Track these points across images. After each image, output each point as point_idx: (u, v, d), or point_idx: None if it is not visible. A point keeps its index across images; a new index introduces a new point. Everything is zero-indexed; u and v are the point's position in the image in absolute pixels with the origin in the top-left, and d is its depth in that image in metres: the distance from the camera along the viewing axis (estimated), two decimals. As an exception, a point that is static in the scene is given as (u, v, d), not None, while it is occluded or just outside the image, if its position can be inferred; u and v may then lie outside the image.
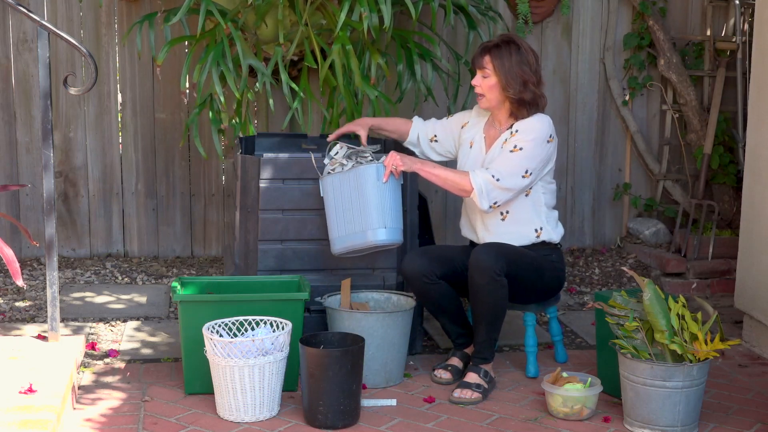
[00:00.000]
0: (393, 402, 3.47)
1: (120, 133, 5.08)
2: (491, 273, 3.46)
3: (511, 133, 3.65)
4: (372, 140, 4.08)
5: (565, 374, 3.46)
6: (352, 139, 3.96)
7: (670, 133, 5.36)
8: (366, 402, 3.43)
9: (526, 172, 3.59)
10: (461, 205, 3.89)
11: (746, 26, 5.16)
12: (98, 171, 5.05)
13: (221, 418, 3.30)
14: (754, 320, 4.13)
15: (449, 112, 4.03)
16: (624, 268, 3.62)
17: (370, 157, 3.73)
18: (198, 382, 3.47)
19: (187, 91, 4.93)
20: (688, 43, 5.31)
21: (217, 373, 3.27)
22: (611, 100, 5.33)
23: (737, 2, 5.13)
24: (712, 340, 3.22)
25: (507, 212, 3.67)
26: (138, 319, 4.32)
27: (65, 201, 5.03)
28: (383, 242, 3.60)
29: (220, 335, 3.37)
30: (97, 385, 3.59)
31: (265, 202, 3.81)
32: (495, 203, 3.58)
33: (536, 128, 3.62)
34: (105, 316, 4.33)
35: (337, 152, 3.76)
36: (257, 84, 4.16)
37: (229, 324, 3.41)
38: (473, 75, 3.72)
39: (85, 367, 3.76)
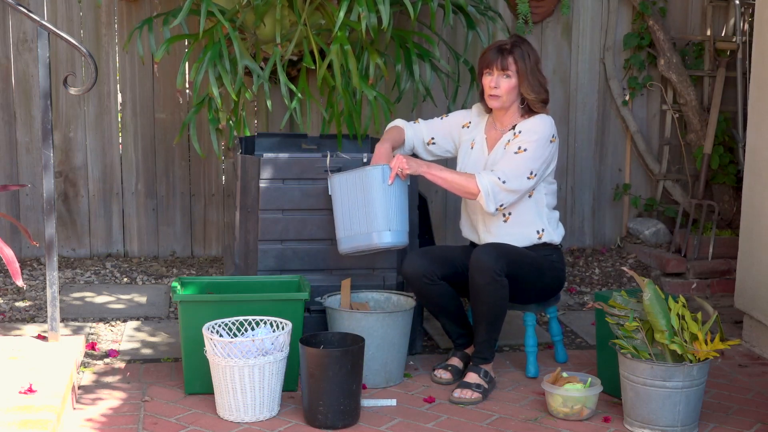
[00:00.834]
0: (393, 402, 3.47)
1: (120, 133, 5.08)
2: (492, 273, 3.46)
3: (514, 134, 3.64)
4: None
5: (565, 374, 3.46)
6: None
7: (670, 133, 5.36)
8: (366, 402, 3.43)
9: (531, 173, 3.58)
10: (461, 205, 3.88)
11: (746, 26, 5.16)
12: (98, 171, 5.05)
13: (221, 418, 3.30)
14: (754, 320, 4.13)
15: (448, 113, 4.01)
16: (624, 268, 3.61)
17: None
18: (198, 382, 3.47)
19: (187, 90, 4.93)
20: (688, 43, 5.31)
21: (217, 373, 3.27)
22: (611, 100, 5.33)
23: (737, 2, 5.13)
24: (712, 340, 3.22)
25: (509, 214, 3.67)
26: (138, 319, 4.32)
27: (65, 201, 5.03)
28: (387, 245, 3.61)
29: (220, 335, 3.37)
30: (97, 385, 3.59)
31: (265, 202, 3.81)
32: (501, 205, 3.58)
33: (539, 129, 3.62)
34: (105, 316, 4.33)
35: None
36: (254, 86, 4.15)
37: (229, 324, 3.41)
38: (474, 75, 3.71)
39: (85, 367, 3.76)
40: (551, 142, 3.64)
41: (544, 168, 3.64)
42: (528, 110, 3.68)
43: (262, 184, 3.79)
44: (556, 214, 3.79)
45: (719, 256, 4.99)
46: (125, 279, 4.81)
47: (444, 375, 3.70)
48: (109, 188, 5.07)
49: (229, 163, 5.06)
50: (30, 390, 3.15)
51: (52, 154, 3.64)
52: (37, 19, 3.63)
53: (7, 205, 4.98)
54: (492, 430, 3.28)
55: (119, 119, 5.08)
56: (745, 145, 4.61)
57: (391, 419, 3.35)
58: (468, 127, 3.82)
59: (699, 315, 3.30)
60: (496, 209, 3.57)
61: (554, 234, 3.73)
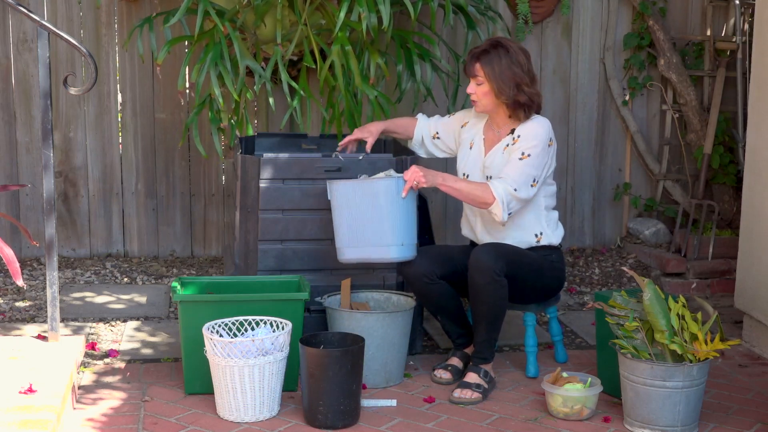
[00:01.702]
0: (393, 402, 3.47)
1: (120, 133, 5.08)
2: (491, 273, 3.46)
3: (513, 139, 3.63)
4: (377, 148, 4.06)
5: (565, 374, 3.46)
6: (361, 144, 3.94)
7: (670, 133, 5.36)
8: (366, 402, 3.43)
9: (534, 180, 3.58)
10: (461, 205, 3.88)
11: (746, 26, 5.16)
12: (98, 171, 5.05)
13: (221, 418, 3.30)
14: (754, 320, 4.13)
15: (449, 113, 4.02)
16: (624, 268, 3.62)
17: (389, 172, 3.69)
18: (198, 382, 3.47)
19: (187, 91, 4.93)
20: (688, 43, 5.31)
21: (217, 373, 3.27)
22: (611, 100, 5.33)
23: (737, 2, 5.13)
24: (712, 340, 3.22)
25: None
26: (138, 319, 4.32)
27: (65, 201, 5.03)
28: (398, 259, 3.58)
29: (220, 335, 3.37)
30: (98, 385, 3.59)
31: (265, 202, 3.81)
32: (510, 213, 3.58)
33: (538, 134, 3.61)
34: (105, 316, 4.33)
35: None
36: (256, 86, 4.16)
37: (229, 324, 3.41)
38: (455, 87, 3.72)
39: (85, 367, 3.76)
40: (549, 146, 3.63)
41: (544, 174, 3.63)
42: (515, 111, 3.63)
43: (262, 184, 3.79)
44: (555, 214, 3.78)
45: (719, 256, 4.99)
46: (125, 279, 4.82)
47: (444, 375, 3.70)
48: (109, 188, 5.07)
49: (229, 163, 5.06)
50: (30, 390, 3.15)
51: (52, 154, 3.64)
52: (37, 19, 3.63)
53: (7, 205, 4.98)
54: (492, 430, 3.28)
55: (119, 119, 5.08)
56: (745, 145, 4.61)
57: (391, 419, 3.35)
58: (466, 126, 3.83)
59: (699, 315, 3.30)
60: (506, 218, 3.57)
61: (553, 236, 3.72)
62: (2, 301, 4.45)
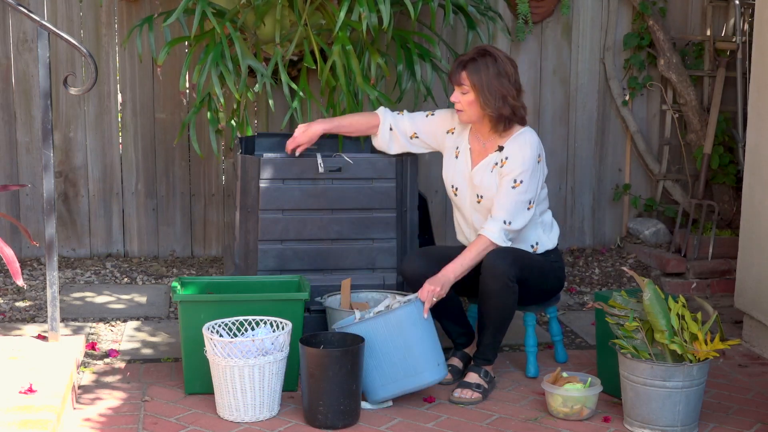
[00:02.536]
0: (389, 402, 3.46)
1: (120, 133, 5.08)
2: (505, 279, 3.45)
3: (502, 160, 3.58)
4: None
5: (565, 374, 3.46)
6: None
7: (670, 133, 5.36)
8: (363, 404, 3.42)
9: (530, 203, 3.57)
10: (454, 216, 3.86)
11: (746, 26, 5.16)
12: (98, 171, 5.05)
13: (221, 418, 3.30)
14: (754, 320, 4.13)
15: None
16: (624, 268, 3.61)
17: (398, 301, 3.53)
18: (198, 382, 3.47)
19: (187, 91, 4.93)
20: (688, 43, 5.31)
21: (217, 373, 3.27)
22: (611, 100, 5.33)
23: (737, 2, 5.13)
24: (712, 340, 3.22)
25: None
26: (138, 319, 4.32)
27: (65, 201, 5.03)
28: (437, 381, 3.46)
29: (220, 335, 3.37)
30: (97, 385, 3.59)
31: (265, 202, 3.81)
32: (511, 239, 3.59)
33: (526, 158, 3.55)
34: (105, 316, 4.33)
35: (362, 316, 3.52)
36: (257, 85, 4.16)
37: (229, 324, 3.41)
38: (450, 89, 3.66)
39: (85, 367, 3.76)
40: (538, 162, 3.60)
41: (538, 191, 3.62)
42: (497, 123, 3.58)
43: (262, 184, 3.79)
44: (548, 215, 3.76)
45: (719, 256, 4.99)
46: (125, 279, 4.81)
47: (444, 375, 3.70)
48: (109, 188, 5.07)
49: (229, 163, 5.06)
50: (30, 390, 3.15)
51: (52, 154, 3.64)
52: (37, 19, 3.63)
53: (7, 205, 4.98)
54: (492, 430, 3.28)
55: (119, 119, 5.08)
56: (745, 145, 4.61)
57: (391, 419, 3.35)
58: (452, 133, 3.77)
59: (699, 315, 3.30)
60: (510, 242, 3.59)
61: (548, 242, 3.72)
62: (2, 301, 4.45)
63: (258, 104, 5.06)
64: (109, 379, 3.65)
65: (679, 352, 3.19)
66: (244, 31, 4.46)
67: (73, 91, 3.69)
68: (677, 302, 3.26)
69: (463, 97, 3.57)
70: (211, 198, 5.15)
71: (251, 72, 4.59)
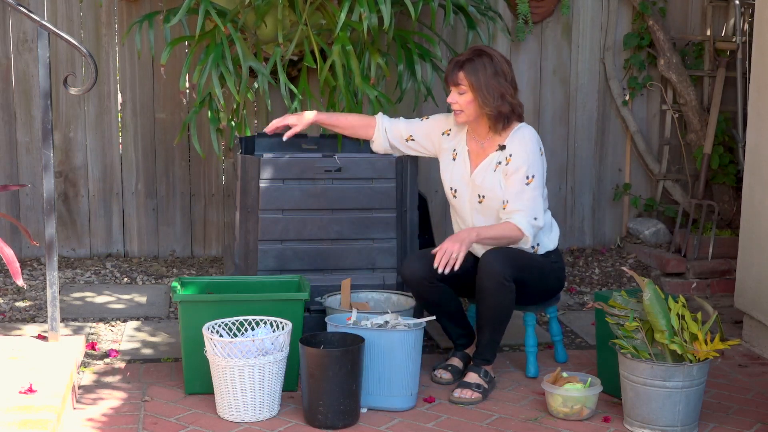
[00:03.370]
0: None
1: (120, 133, 5.08)
2: (500, 278, 3.45)
3: (506, 158, 3.59)
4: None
5: (565, 374, 3.46)
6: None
7: (670, 133, 5.36)
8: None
9: (543, 196, 3.62)
10: (452, 219, 3.86)
11: (746, 26, 5.16)
12: (98, 171, 5.05)
13: (221, 418, 3.30)
14: (754, 320, 4.13)
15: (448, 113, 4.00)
16: (624, 268, 3.62)
17: (397, 321, 3.49)
18: (198, 382, 3.47)
19: (187, 91, 4.93)
20: (688, 43, 5.31)
21: (217, 373, 3.27)
22: (611, 100, 5.33)
23: (737, 2, 5.13)
24: (712, 340, 3.22)
25: None
26: (138, 319, 4.32)
27: (65, 201, 5.04)
28: (407, 409, 3.44)
29: (220, 335, 3.37)
30: (98, 385, 3.59)
31: (265, 202, 3.81)
32: (534, 235, 3.60)
33: (531, 150, 3.58)
34: (105, 316, 4.33)
35: (356, 320, 3.51)
36: (256, 83, 4.16)
37: (229, 324, 3.41)
38: (448, 91, 3.66)
39: (85, 367, 3.76)
40: (541, 155, 3.63)
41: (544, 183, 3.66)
42: (496, 122, 3.59)
43: (262, 184, 3.80)
44: (548, 215, 3.76)
45: (719, 256, 4.99)
46: (125, 279, 4.82)
47: (444, 375, 3.70)
48: (109, 188, 5.07)
49: (229, 163, 5.06)
50: (30, 390, 3.15)
51: (52, 154, 3.64)
52: (37, 19, 3.63)
53: (7, 205, 4.98)
54: (492, 430, 3.28)
55: (119, 119, 5.08)
56: (745, 145, 4.61)
57: (391, 419, 3.35)
58: (448, 134, 3.78)
59: (699, 315, 3.30)
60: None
61: (549, 242, 3.72)
62: (2, 301, 4.45)
63: (258, 104, 5.06)
64: (109, 379, 3.65)
65: (679, 352, 3.19)
66: (245, 32, 4.46)
67: (73, 91, 3.69)
68: (677, 302, 3.26)
69: (461, 97, 3.58)
70: (211, 198, 5.15)
71: (252, 72, 4.60)
